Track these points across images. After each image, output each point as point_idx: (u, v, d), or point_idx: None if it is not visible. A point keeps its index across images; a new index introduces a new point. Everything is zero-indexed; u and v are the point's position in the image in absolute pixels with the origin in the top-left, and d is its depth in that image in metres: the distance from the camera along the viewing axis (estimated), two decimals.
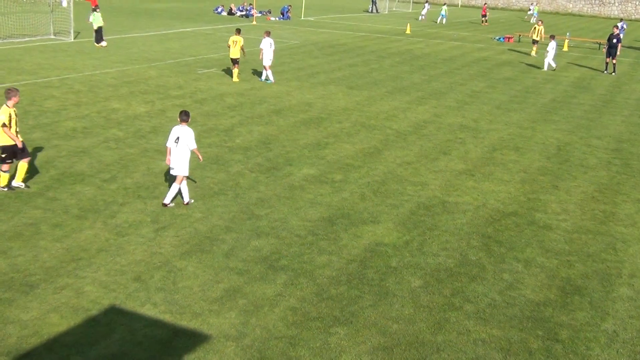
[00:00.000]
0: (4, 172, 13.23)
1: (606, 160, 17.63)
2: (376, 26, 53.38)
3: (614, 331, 9.30)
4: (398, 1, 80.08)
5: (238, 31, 26.23)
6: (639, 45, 45.54)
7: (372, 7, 69.40)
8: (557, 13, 79.42)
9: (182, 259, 10.71)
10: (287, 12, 55.11)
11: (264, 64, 26.04)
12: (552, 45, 33.21)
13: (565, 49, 43.08)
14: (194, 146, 12.63)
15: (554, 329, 9.29)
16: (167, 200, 12.85)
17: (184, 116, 12.72)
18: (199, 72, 27.70)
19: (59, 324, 8.71)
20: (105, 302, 9.30)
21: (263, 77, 26.35)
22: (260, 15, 55.63)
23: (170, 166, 12.76)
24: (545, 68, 33.38)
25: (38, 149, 15.94)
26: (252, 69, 27.79)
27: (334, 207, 13.35)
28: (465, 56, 37.63)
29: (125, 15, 50.95)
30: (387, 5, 72.06)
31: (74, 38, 35.64)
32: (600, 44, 44.81)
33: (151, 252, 10.88)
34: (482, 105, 24.04)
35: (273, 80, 26.22)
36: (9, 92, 13.10)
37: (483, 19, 60.99)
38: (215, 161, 15.84)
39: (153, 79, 25.55)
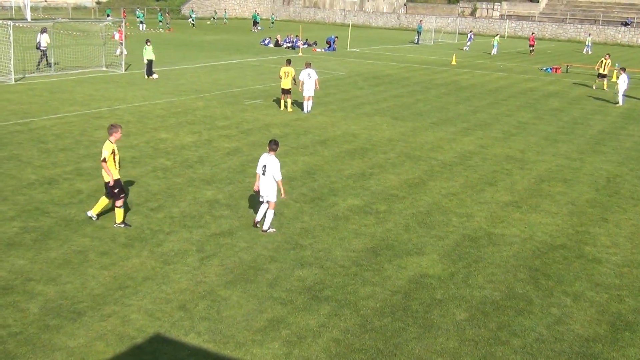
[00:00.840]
0: (118, 207, 13.13)
1: None
2: (421, 57, 53.47)
3: None
4: (444, 32, 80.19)
5: (289, 62, 26.61)
6: None
7: (417, 38, 69.70)
8: (605, 43, 78.35)
9: (226, 288, 10.78)
10: (333, 42, 55.66)
11: (304, 94, 26.23)
12: (623, 79, 31.79)
13: (614, 79, 42.37)
14: (279, 178, 12.96)
15: None
16: (265, 227, 13.22)
17: (273, 145, 13.07)
18: (246, 103, 28.09)
19: (104, 351, 8.83)
20: (151, 331, 9.39)
21: (305, 110, 26.50)
22: (306, 46, 56.31)
23: (260, 193, 13.17)
24: (621, 103, 32.02)
25: (88, 179, 16.31)
26: (294, 100, 28.02)
27: (378, 237, 13.30)
28: (512, 87, 37.36)
29: (175, 47, 52.12)
30: (433, 36, 72.19)
31: (125, 70, 36.57)
32: None
33: (196, 281, 10.97)
34: (528, 136, 23.78)
35: (308, 111, 26.38)
36: (111, 128, 12.96)
37: (531, 48, 60.82)
38: None
39: (200, 110, 25.99)
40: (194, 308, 10.08)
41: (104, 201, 13.30)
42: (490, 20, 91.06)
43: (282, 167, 18.09)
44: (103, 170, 12.94)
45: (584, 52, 64.87)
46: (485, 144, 22.14)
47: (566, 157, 20.70)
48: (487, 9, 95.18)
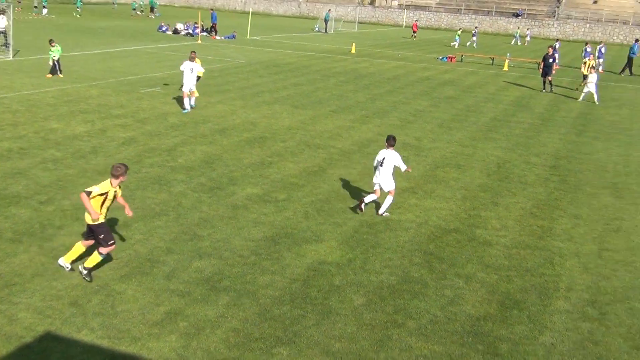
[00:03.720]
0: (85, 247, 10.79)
1: (544, 177, 18.05)
2: (321, 45, 53.78)
3: (552, 344, 9.48)
4: (343, 21, 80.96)
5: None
6: (577, 66, 46.88)
7: (325, 27, 69.98)
8: (497, 34, 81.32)
9: (121, 282, 10.50)
10: (213, 30, 54.98)
11: (183, 89, 23.71)
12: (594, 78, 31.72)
13: (506, 68, 44.14)
14: (404, 167, 14.25)
15: (494, 343, 9.42)
16: (381, 211, 14.22)
17: (392, 141, 14.05)
18: (142, 91, 27.40)
19: None
20: (40, 329, 9.03)
21: (187, 107, 23.78)
22: (205, 34, 55.48)
23: (379, 184, 14.10)
24: (581, 99, 31.98)
25: None
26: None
27: (278, 226, 13.31)
28: (409, 75, 38.19)
29: (67, 33, 50.13)
30: (333, 25, 72.72)
31: (13, 56, 34.88)
32: (538, 63, 46.05)
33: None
34: (424, 123, 24.39)
35: (188, 109, 23.73)
36: (119, 169, 10.42)
37: (414, 35, 67.77)
38: (157, 181, 15.63)
39: (94, 98, 25.15)
40: (86, 304, 9.76)
41: (78, 248, 10.78)
42: (390, 10, 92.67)
43: (179, 156, 17.85)
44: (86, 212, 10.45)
45: (512, 43, 67.52)
46: (383, 131, 22.54)
47: (460, 143, 21.37)
48: None
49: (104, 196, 10.33)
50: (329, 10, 75.77)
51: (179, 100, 24.91)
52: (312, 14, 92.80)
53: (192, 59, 23.64)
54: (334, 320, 9.73)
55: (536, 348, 9.34)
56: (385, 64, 43.44)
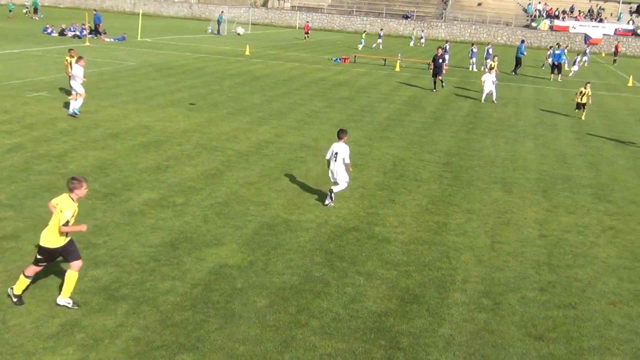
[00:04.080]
0: (27, 277, 9.80)
1: (438, 173, 18.63)
2: (215, 47, 53.26)
3: (450, 335, 9.78)
4: (237, 23, 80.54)
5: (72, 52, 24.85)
6: (465, 66, 48.69)
7: (218, 29, 69.29)
8: (389, 35, 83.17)
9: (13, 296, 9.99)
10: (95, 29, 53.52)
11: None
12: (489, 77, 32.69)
13: (397, 69, 45.25)
14: (348, 161, 14.92)
15: (396, 337, 9.62)
16: (327, 201, 15.11)
17: (343, 134, 15.01)
18: (28, 95, 26.21)
19: None
20: None
21: (70, 110, 22.97)
22: (92, 36, 53.72)
23: (333, 176, 15.05)
24: (483, 100, 32.86)
25: None
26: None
27: (176, 231, 13.07)
28: (304, 76, 38.45)
29: None
30: (226, 27, 72.17)
31: None
32: (429, 64, 47.54)
33: None
34: (321, 124, 24.63)
35: (74, 112, 22.85)
36: (75, 182, 9.60)
37: (306, 35, 68.39)
38: (47, 189, 14.99)
39: None
40: None
41: (72, 277, 9.80)
42: (282, 11, 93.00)
43: (70, 162, 17.20)
44: (51, 233, 9.60)
45: (411, 44, 69.17)
46: (281, 132, 22.59)
47: (356, 143, 21.70)
48: (279, 1, 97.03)
49: (74, 216, 9.62)
50: (222, 11, 75.15)
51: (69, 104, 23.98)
52: (204, 16, 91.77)
53: (78, 59, 23.43)
54: (237, 324, 9.66)
55: (436, 340, 9.62)
56: (280, 65, 43.55)
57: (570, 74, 48.04)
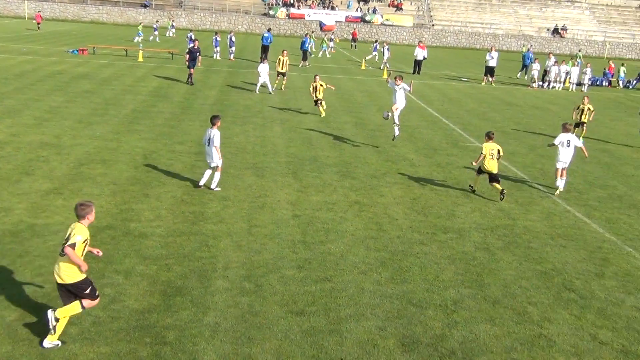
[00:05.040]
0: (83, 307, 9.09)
1: (190, 164, 18.52)
2: None
3: (216, 323, 9.83)
4: None
5: None
6: (209, 54, 48.78)
7: None
8: (129, 25, 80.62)
9: None
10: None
11: None
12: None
13: (141, 59, 44.07)
14: (217, 144, 15.78)
15: (161, 332, 9.44)
16: (213, 186, 16.13)
17: (216, 120, 15.91)
18: None
19: None
20: None
21: None
22: None
23: (208, 160, 16.06)
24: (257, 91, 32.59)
25: None
26: None
27: None
28: (39, 70, 35.87)
29: None
30: None
31: None
32: (172, 53, 46.98)
33: None
34: (62, 120, 23.20)
35: None
36: (85, 208, 9.06)
37: (38, 26, 65.59)
38: None
39: None
40: None
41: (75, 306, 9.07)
42: (7, 1, 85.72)
43: None
44: (63, 264, 8.87)
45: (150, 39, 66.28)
46: (17, 132, 20.90)
47: (103, 138, 20.81)
48: None
49: (85, 243, 8.95)
50: None
51: None
52: None
53: None
54: None
55: (202, 330, 9.60)
56: (10, 59, 40.16)
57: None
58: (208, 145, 15.88)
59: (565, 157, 17.85)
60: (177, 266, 11.71)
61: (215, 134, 15.79)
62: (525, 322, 10.64)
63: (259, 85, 33.32)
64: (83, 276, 9.00)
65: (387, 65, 48.97)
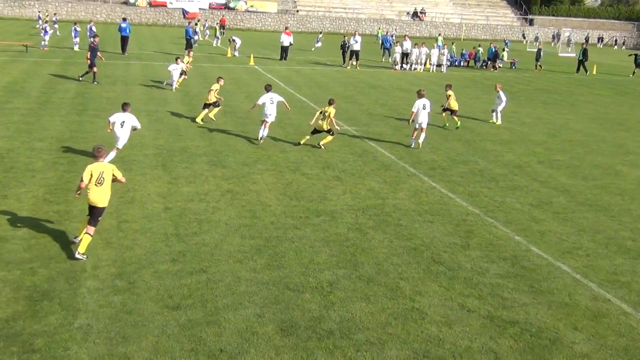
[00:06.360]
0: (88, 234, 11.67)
1: (52, 161, 17.68)
2: None
3: (88, 324, 9.47)
4: None
5: None
6: (68, 46, 46.55)
7: None
8: None
9: None
10: None
11: None
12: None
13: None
14: (139, 126, 17.96)
15: (29, 340, 8.99)
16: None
17: (127, 107, 17.66)
18: None
19: None
20: None
21: None
22: None
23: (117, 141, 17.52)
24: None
25: None
26: None
27: None
28: None
29: None
30: None
31: None
32: (26, 46, 44.47)
33: None
34: None
35: None
36: (101, 151, 12.08)
37: None
38: None
39: None
40: None
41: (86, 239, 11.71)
42: None
43: None
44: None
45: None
46: None
47: None
48: None
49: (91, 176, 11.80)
50: None
51: None
52: None
53: None
54: None
55: (73, 333, 9.23)
56: None
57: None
58: (122, 127, 17.49)
59: (422, 118, 21.50)
60: (43, 269, 11.16)
61: (131, 117, 17.63)
62: (398, 297, 11.01)
63: (174, 83, 31.45)
64: None
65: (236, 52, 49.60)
